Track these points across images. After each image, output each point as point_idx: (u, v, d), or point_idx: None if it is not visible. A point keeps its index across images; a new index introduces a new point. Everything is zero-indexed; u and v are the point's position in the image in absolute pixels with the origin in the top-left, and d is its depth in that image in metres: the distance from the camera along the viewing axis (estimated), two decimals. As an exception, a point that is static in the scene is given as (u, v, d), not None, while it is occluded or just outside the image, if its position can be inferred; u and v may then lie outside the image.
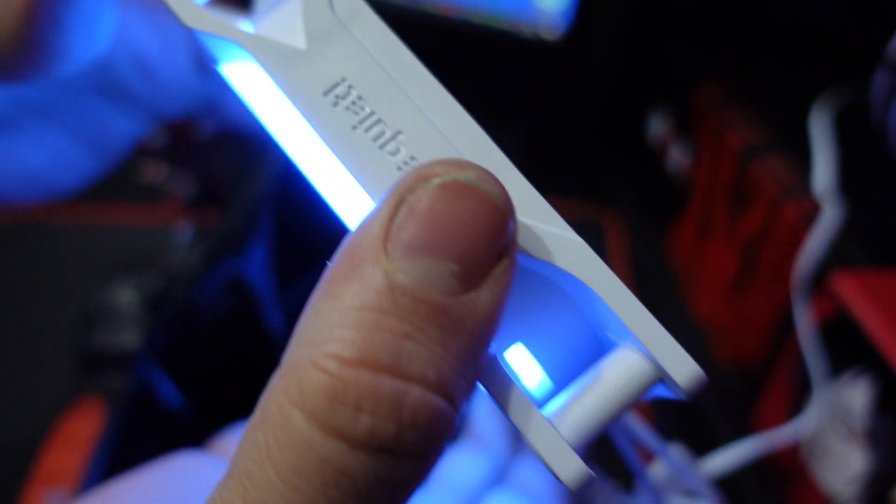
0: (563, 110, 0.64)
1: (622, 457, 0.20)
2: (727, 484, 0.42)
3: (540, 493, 0.21)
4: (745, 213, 0.43)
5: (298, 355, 0.12)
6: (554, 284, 0.15)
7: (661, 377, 0.14)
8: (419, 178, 0.12)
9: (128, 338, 0.43)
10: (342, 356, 0.11)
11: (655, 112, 0.59)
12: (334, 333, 0.11)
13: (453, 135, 0.15)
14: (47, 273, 0.51)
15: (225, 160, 0.47)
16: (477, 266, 0.12)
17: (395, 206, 0.12)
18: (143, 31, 0.22)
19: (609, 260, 0.56)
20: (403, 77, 0.15)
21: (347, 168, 0.15)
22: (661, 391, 0.15)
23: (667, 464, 0.23)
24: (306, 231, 0.42)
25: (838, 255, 0.35)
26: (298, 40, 0.16)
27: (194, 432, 0.26)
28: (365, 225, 0.12)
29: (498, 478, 0.23)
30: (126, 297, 0.44)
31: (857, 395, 0.33)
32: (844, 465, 0.33)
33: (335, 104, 0.15)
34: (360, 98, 0.15)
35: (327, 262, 0.13)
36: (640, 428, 0.20)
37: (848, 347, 0.33)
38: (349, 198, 0.16)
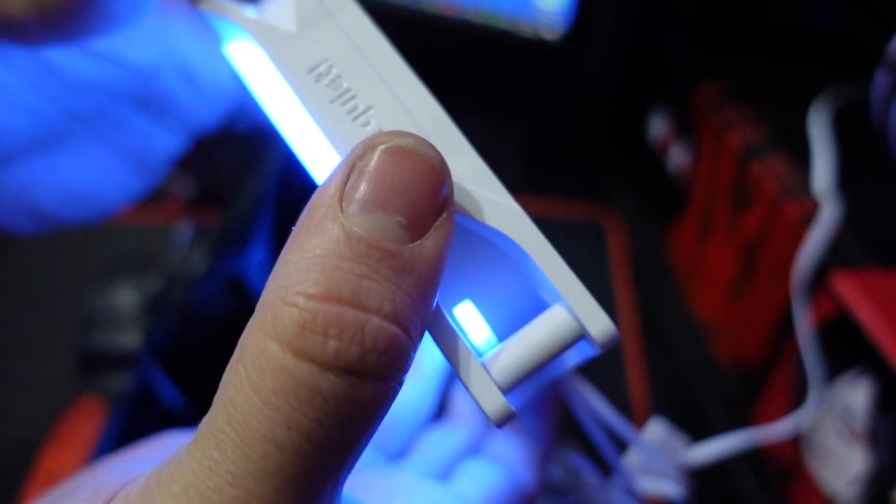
0: (563, 110, 0.64)
1: (595, 444, 0.23)
2: (728, 485, 0.42)
3: (512, 462, 0.23)
4: (746, 212, 0.43)
5: (270, 298, 0.13)
6: (499, 249, 0.17)
7: (584, 334, 0.16)
8: (367, 146, 0.14)
9: (128, 338, 0.42)
10: (309, 292, 0.13)
11: (656, 112, 0.59)
12: (301, 276, 0.13)
13: (417, 112, 0.17)
14: (47, 273, 0.51)
15: (225, 160, 0.47)
16: (420, 218, 0.14)
17: (348, 170, 0.14)
18: (186, 38, 0.23)
19: (609, 260, 0.56)
20: (378, 61, 0.18)
21: (325, 135, 0.17)
22: (587, 350, 0.17)
23: (639, 450, 0.25)
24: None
25: (838, 255, 0.35)
26: (290, 25, 0.18)
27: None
28: (323, 188, 0.14)
29: (474, 449, 0.24)
30: (126, 297, 0.44)
31: (857, 395, 0.33)
32: (845, 465, 0.33)
33: (317, 80, 0.18)
34: (338, 76, 0.18)
35: (292, 228, 0.14)
36: (612, 416, 0.22)
37: (848, 348, 0.33)
38: (326, 162, 0.18)
